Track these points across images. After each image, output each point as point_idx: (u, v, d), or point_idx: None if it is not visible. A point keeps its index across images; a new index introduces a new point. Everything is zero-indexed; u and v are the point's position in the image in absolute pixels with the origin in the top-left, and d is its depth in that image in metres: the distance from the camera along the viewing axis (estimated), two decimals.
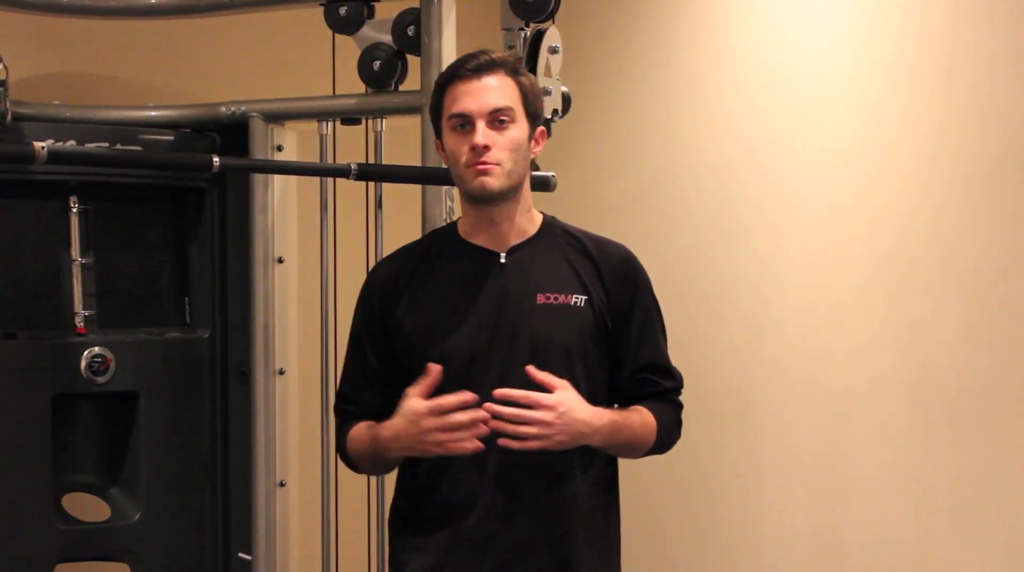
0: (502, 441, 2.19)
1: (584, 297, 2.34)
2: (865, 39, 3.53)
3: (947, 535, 3.35)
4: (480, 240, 2.39)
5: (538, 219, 2.42)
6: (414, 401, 2.25)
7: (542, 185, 2.92)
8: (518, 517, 2.30)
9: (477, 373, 2.30)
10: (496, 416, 2.20)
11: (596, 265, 2.38)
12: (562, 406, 2.21)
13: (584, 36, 4.16)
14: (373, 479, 3.26)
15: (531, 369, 2.23)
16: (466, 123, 2.31)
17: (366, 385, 2.43)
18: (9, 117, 3.08)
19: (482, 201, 2.33)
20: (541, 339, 2.31)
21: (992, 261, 3.27)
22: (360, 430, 2.39)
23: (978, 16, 3.31)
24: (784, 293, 3.72)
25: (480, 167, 2.28)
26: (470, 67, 2.32)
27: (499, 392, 2.21)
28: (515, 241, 2.38)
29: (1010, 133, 3.23)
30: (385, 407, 2.39)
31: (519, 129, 2.32)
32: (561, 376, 2.27)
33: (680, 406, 2.46)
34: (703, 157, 3.95)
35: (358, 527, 3.37)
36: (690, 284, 3.95)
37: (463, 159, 2.30)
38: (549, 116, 2.95)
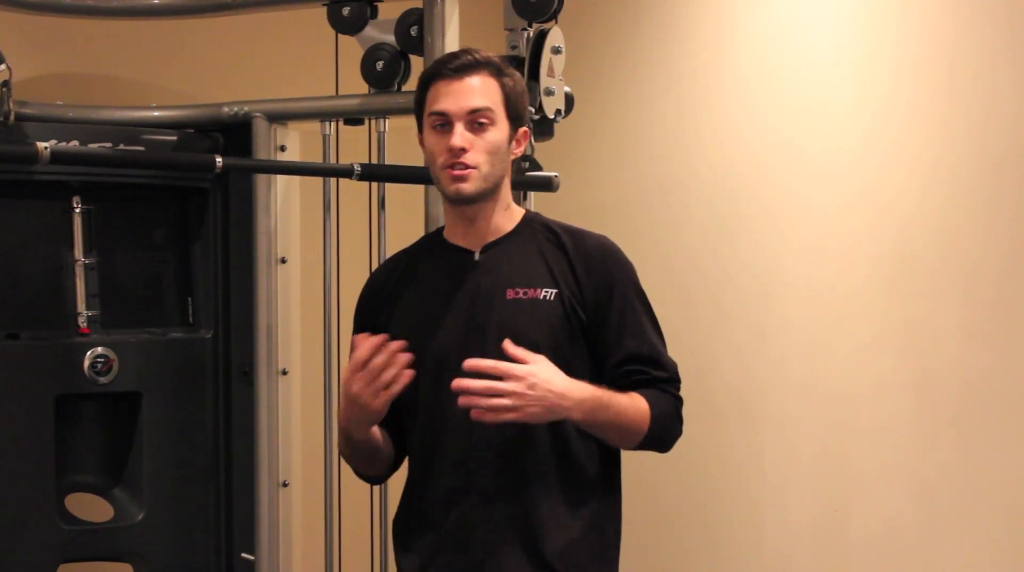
0: (475, 414, 2.16)
1: (554, 290, 2.32)
2: (868, 38, 3.53)
3: (949, 534, 3.35)
4: (458, 240, 2.40)
5: (517, 215, 2.42)
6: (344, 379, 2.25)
7: (545, 186, 2.92)
8: (493, 516, 2.29)
9: (451, 370, 2.26)
10: (467, 391, 2.16)
11: (568, 257, 2.36)
12: (533, 377, 2.17)
13: (587, 36, 4.16)
14: None
15: (507, 344, 2.20)
16: (445, 123, 2.31)
17: None
18: (12, 117, 3.08)
19: (457, 202, 2.35)
20: (509, 334, 2.27)
21: (994, 260, 3.27)
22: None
23: (980, 16, 3.31)
24: (787, 293, 3.72)
25: (456, 173, 2.29)
26: (452, 67, 2.32)
27: (468, 363, 2.18)
28: (490, 238, 2.38)
29: (1012, 133, 3.23)
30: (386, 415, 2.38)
31: (498, 131, 2.32)
32: None
33: (678, 400, 2.39)
34: (706, 157, 3.95)
35: (361, 527, 3.37)
36: (693, 283, 3.95)
37: (440, 160, 2.31)
38: (552, 116, 2.95)
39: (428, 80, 2.35)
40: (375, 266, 3.24)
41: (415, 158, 3.14)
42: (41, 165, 2.68)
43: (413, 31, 3.10)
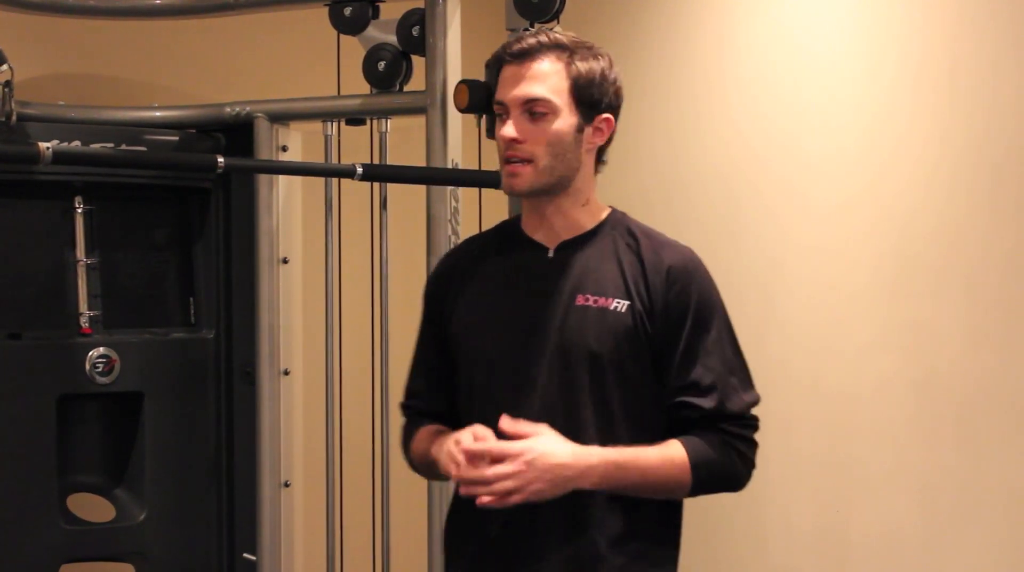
0: (480, 501, 2.03)
1: (626, 302, 2.16)
2: (870, 38, 3.53)
3: (952, 535, 3.35)
4: (534, 233, 2.24)
5: (601, 214, 2.23)
6: (459, 439, 2.08)
7: None
8: (539, 534, 2.16)
9: (508, 372, 2.17)
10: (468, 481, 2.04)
11: (644, 266, 2.17)
12: (530, 452, 2.02)
13: (589, 36, 4.13)
14: (377, 480, 3.26)
15: (504, 422, 2.04)
16: (503, 112, 2.15)
17: (431, 382, 2.29)
18: (14, 118, 3.08)
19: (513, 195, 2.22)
20: (570, 342, 2.15)
21: (997, 260, 3.26)
22: (424, 435, 2.25)
23: (982, 17, 3.30)
24: (788, 293, 3.71)
25: (510, 167, 2.15)
26: (512, 51, 2.14)
27: (464, 448, 2.04)
28: (566, 236, 2.21)
29: (1014, 131, 3.22)
30: (449, 406, 2.27)
31: (562, 121, 2.12)
32: (586, 383, 2.10)
33: (738, 439, 2.22)
34: (708, 157, 3.94)
35: (363, 528, 3.37)
36: None
37: (500, 150, 2.17)
38: None
39: (496, 64, 2.19)
40: (377, 267, 3.25)
41: (417, 158, 3.16)
42: (43, 165, 2.69)
43: (415, 31, 3.10)
